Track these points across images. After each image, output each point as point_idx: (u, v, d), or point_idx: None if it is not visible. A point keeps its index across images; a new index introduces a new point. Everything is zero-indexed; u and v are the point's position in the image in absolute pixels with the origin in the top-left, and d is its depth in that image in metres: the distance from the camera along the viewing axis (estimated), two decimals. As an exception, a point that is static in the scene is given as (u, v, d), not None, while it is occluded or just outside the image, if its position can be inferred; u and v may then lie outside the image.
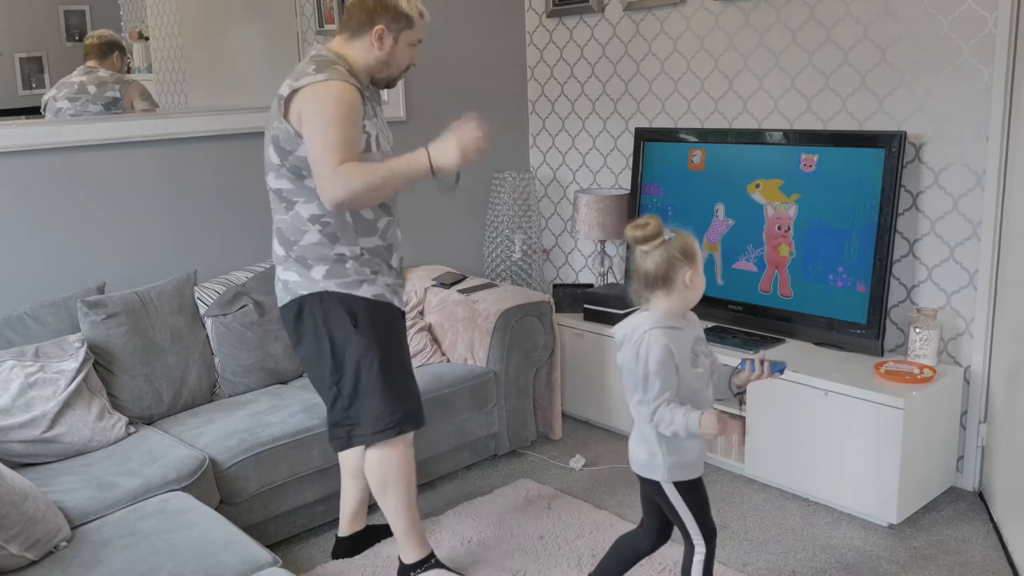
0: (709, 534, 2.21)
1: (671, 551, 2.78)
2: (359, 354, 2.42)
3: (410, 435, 2.56)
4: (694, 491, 2.18)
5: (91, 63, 3.22)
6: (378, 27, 2.37)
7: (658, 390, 2.05)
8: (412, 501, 2.59)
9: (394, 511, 2.57)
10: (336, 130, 2.25)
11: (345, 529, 2.84)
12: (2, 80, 3.06)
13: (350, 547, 2.84)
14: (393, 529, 2.63)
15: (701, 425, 2.01)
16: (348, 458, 2.75)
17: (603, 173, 4.21)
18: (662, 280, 2.07)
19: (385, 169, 2.31)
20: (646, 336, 2.07)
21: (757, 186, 3.48)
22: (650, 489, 2.22)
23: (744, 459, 3.29)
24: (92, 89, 3.20)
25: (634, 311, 2.19)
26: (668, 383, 2.05)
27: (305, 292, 2.41)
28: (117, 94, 3.26)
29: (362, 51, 2.40)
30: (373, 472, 2.55)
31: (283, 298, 2.47)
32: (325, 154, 2.24)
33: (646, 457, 2.16)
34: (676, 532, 2.27)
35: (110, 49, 3.25)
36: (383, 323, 2.47)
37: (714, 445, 3.46)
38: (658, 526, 2.30)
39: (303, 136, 2.29)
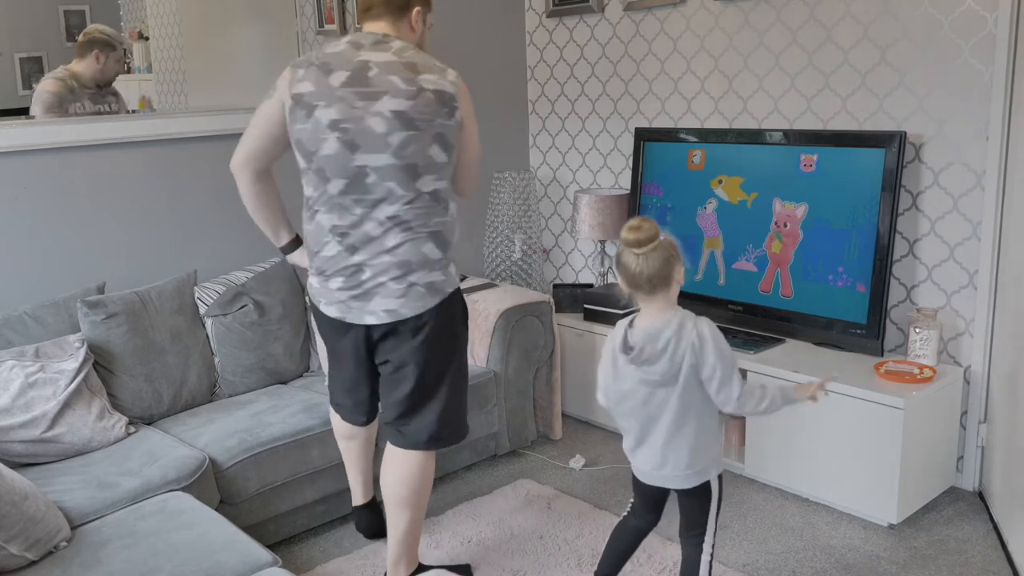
0: (715, 538, 2.25)
1: (670, 551, 2.78)
2: (463, 356, 2.50)
3: None
4: (722, 486, 2.22)
5: (72, 62, 3.16)
6: (416, 8, 2.38)
7: (735, 364, 2.08)
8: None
9: (414, 524, 2.51)
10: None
11: (362, 496, 2.85)
12: (2, 80, 3.06)
13: (377, 517, 2.85)
14: (399, 543, 2.52)
15: (796, 389, 2.12)
16: (353, 429, 2.72)
17: (603, 173, 4.21)
18: (664, 280, 2.07)
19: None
20: (696, 331, 2.06)
21: (719, 182, 3.54)
22: (693, 495, 2.18)
23: (744, 459, 3.29)
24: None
25: (630, 314, 2.18)
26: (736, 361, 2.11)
27: (451, 290, 2.42)
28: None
29: (405, 36, 2.38)
30: (412, 479, 2.46)
31: (426, 302, 2.35)
32: (479, 162, 2.43)
33: (702, 464, 2.14)
34: (658, 536, 2.26)
35: (89, 48, 3.17)
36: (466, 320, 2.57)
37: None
38: (655, 510, 2.33)
39: (466, 131, 2.36)
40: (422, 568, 2.61)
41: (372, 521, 2.88)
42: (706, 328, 2.07)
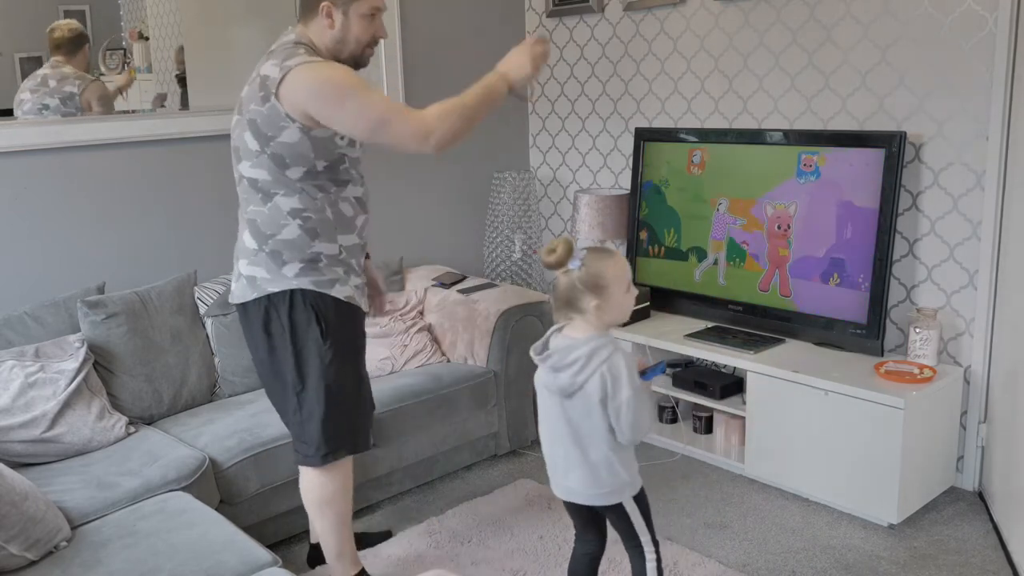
0: (656, 541, 2.22)
1: (670, 551, 2.78)
2: (321, 367, 2.33)
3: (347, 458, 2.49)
4: (645, 500, 2.19)
5: (57, 58, 3.12)
6: (324, 4, 2.27)
7: (635, 386, 2.03)
8: (348, 519, 2.52)
9: (329, 530, 2.50)
10: (367, 91, 2.16)
11: (316, 536, 2.77)
12: (2, 80, 3.05)
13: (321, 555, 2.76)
14: (324, 548, 2.55)
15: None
16: None
17: (603, 173, 4.21)
18: (569, 304, 2.08)
19: (472, 95, 2.19)
20: (608, 364, 2.03)
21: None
22: (612, 512, 2.19)
23: (744, 459, 3.29)
24: (52, 83, 3.13)
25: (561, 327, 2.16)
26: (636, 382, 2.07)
27: (275, 290, 2.28)
28: (75, 89, 3.17)
29: (318, 32, 2.30)
30: (309, 491, 2.48)
31: (245, 295, 2.33)
32: (383, 110, 2.14)
33: (609, 488, 2.13)
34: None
35: (79, 43, 3.15)
36: (349, 328, 2.38)
37: (714, 444, 3.46)
38: (597, 530, 2.31)
39: (323, 116, 2.16)
40: (364, 574, 2.60)
41: (313, 558, 2.82)
42: (620, 365, 2.03)
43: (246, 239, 2.33)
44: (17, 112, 3.06)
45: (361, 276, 2.44)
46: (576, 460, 2.12)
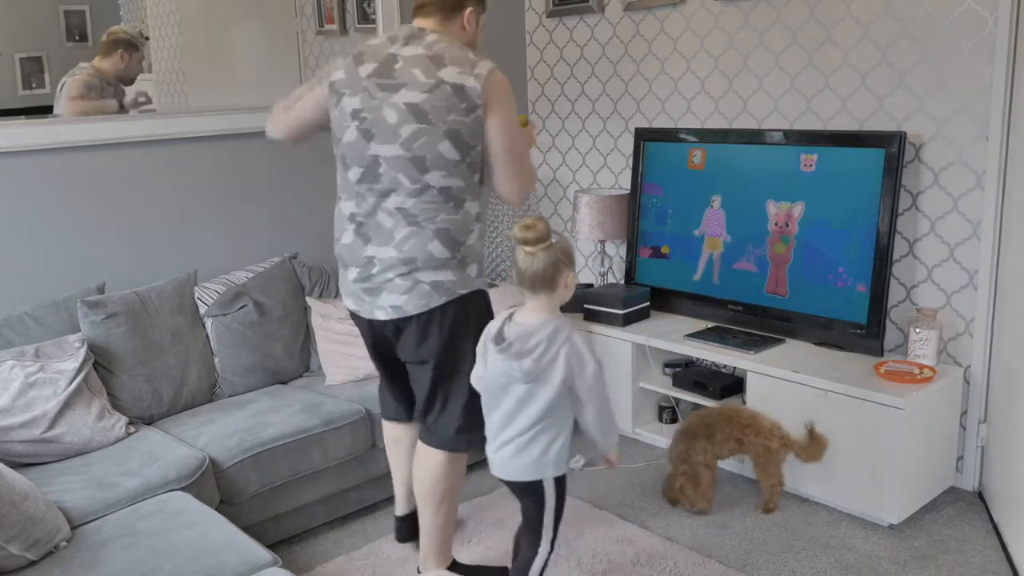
0: (557, 539, 2.27)
1: (670, 551, 2.78)
2: (472, 359, 2.39)
3: None
4: (563, 486, 2.24)
5: (94, 60, 3.21)
6: (468, 9, 2.38)
7: (596, 359, 2.13)
8: (456, 512, 2.62)
9: (440, 521, 2.53)
10: (521, 134, 2.34)
11: (402, 508, 2.82)
12: (2, 80, 3.06)
13: (413, 526, 2.79)
14: (427, 537, 2.55)
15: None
16: (406, 430, 2.70)
17: (603, 173, 4.21)
18: (548, 282, 2.11)
19: (528, 152, 2.42)
20: (570, 343, 2.11)
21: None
22: (528, 492, 2.24)
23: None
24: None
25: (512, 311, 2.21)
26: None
27: (465, 291, 2.36)
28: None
29: (455, 35, 2.37)
30: (442, 479, 2.48)
31: (430, 301, 2.32)
32: (522, 146, 2.32)
33: (537, 456, 2.17)
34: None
35: (113, 47, 3.24)
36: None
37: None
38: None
39: (490, 127, 2.27)
40: (456, 564, 2.63)
41: (406, 531, 2.85)
42: (578, 343, 2.12)
43: (434, 249, 2.31)
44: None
45: None
46: (527, 439, 2.17)
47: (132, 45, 3.27)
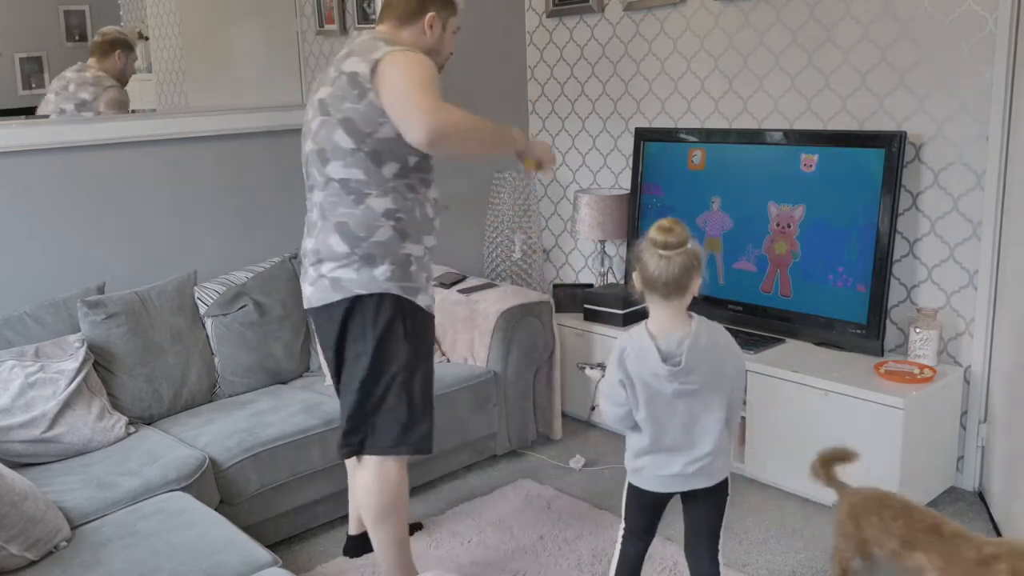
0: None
1: (670, 551, 2.78)
2: (400, 363, 2.34)
3: (406, 460, 2.46)
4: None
5: (90, 61, 3.22)
6: (430, 14, 2.37)
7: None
8: (407, 533, 2.52)
9: (390, 541, 2.46)
10: (428, 79, 2.16)
11: (356, 527, 2.81)
12: (2, 80, 3.06)
13: (362, 544, 2.77)
14: (384, 561, 2.49)
15: None
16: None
17: (603, 173, 4.21)
18: (683, 288, 2.02)
19: (482, 120, 2.23)
20: (726, 340, 2.13)
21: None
22: (715, 493, 2.15)
23: (744, 459, 3.29)
24: (71, 87, 3.19)
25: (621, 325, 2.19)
26: None
27: (362, 292, 2.28)
28: (88, 96, 3.22)
29: (413, 38, 2.35)
30: (372, 494, 2.41)
31: (328, 296, 2.31)
32: (420, 88, 2.12)
33: (715, 462, 2.11)
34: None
35: (111, 47, 3.24)
36: (427, 336, 2.41)
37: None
38: (651, 529, 2.27)
39: (379, 91, 2.17)
40: None
41: (353, 547, 2.84)
42: (726, 333, 2.15)
43: (334, 243, 2.29)
44: (41, 110, 3.13)
45: (433, 283, 2.50)
46: (714, 444, 2.09)
47: (128, 45, 3.28)
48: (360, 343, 2.33)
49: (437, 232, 2.43)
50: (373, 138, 2.22)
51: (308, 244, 2.39)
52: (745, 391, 3.24)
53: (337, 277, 2.29)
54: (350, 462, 2.62)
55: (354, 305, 2.30)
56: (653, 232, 2.02)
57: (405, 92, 2.14)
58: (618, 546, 2.27)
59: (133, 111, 3.34)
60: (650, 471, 2.13)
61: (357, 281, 2.28)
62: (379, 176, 2.25)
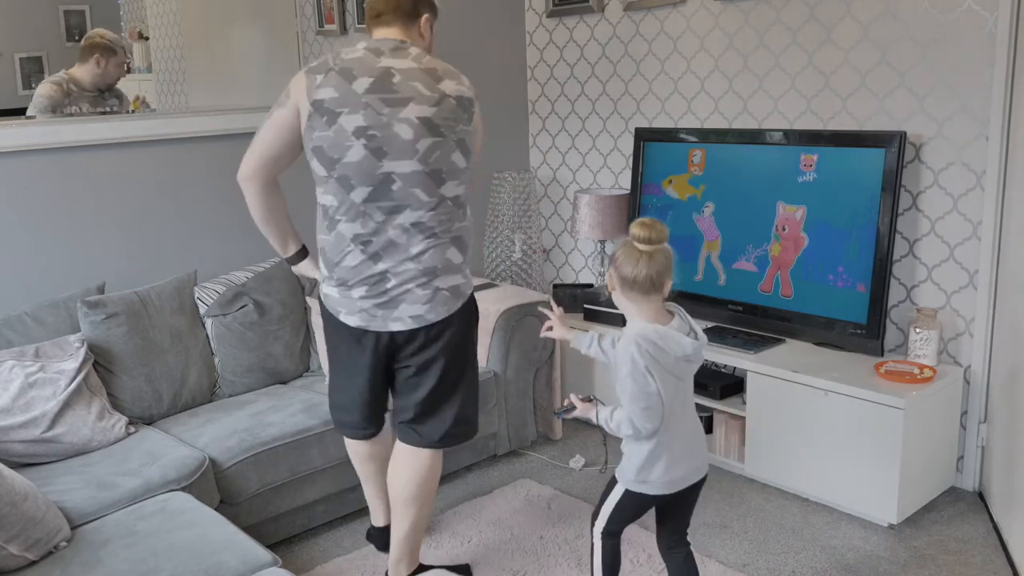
0: None
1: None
2: (472, 357, 2.55)
3: None
4: None
5: (74, 68, 3.18)
6: (425, 16, 2.39)
7: None
8: None
9: (421, 523, 2.54)
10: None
11: (387, 516, 2.78)
12: (2, 80, 3.06)
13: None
14: (402, 542, 2.53)
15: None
16: (377, 445, 2.68)
17: (603, 173, 4.21)
18: (658, 285, 2.06)
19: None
20: (699, 328, 2.14)
21: (669, 182, 3.69)
22: (700, 487, 2.24)
23: (744, 459, 3.29)
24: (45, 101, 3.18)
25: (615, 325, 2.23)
26: None
27: (471, 292, 2.49)
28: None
29: (416, 42, 2.39)
30: (426, 479, 2.49)
31: (452, 306, 2.38)
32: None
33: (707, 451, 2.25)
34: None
35: (89, 52, 3.18)
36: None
37: (714, 444, 3.46)
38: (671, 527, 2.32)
39: (476, 133, 2.40)
40: (422, 568, 2.61)
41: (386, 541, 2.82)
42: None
43: (451, 255, 2.37)
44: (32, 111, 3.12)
45: None
46: (698, 436, 2.20)
47: (109, 49, 3.20)
48: (468, 339, 2.49)
49: None
50: (472, 157, 2.40)
51: (399, 267, 2.31)
52: (744, 390, 3.24)
53: (455, 285, 2.40)
54: (375, 451, 2.69)
55: (470, 305, 2.49)
56: (635, 228, 2.07)
57: (477, 159, 2.45)
58: (599, 544, 2.28)
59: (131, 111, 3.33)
60: (659, 478, 2.15)
61: (467, 283, 2.46)
62: (470, 188, 2.44)
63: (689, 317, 2.14)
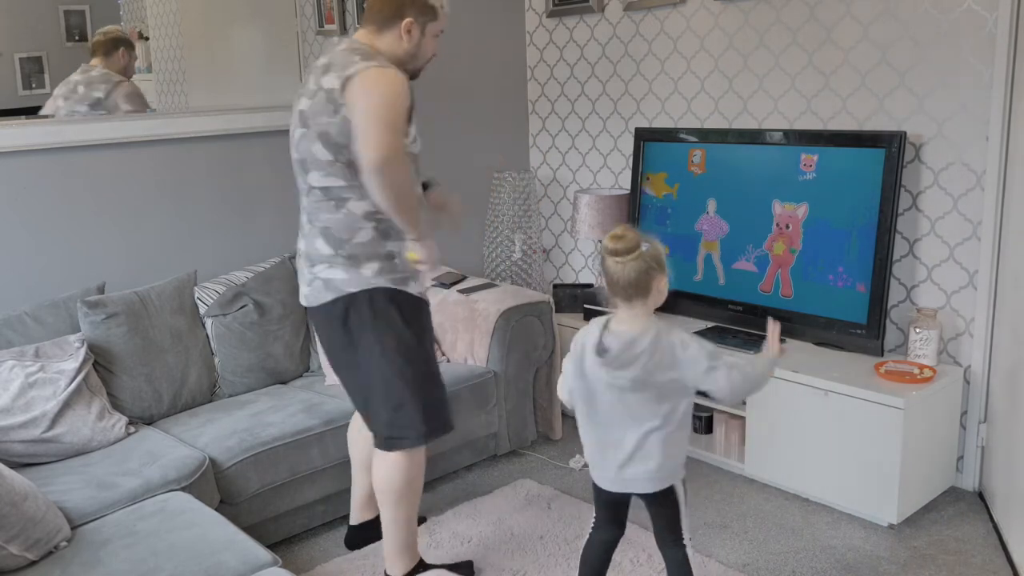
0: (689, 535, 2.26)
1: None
2: (409, 353, 2.42)
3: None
4: (686, 488, 2.24)
5: (93, 61, 3.22)
6: (407, 19, 2.38)
7: (709, 353, 2.08)
8: (416, 513, 2.59)
9: (400, 523, 2.54)
10: (393, 113, 2.25)
11: (356, 518, 2.85)
12: (2, 80, 3.06)
13: (364, 536, 2.85)
14: (389, 540, 2.56)
15: (771, 354, 2.18)
16: (360, 450, 2.74)
17: (603, 173, 4.21)
18: (642, 289, 2.09)
19: (410, 197, 2.33)
20: (669, 342, 2.09)
21: (647, 179, 3.71)
22: (657, 501, 2.20)
23: (744, 459, 3.29)
24: (81, 89, 3.20)
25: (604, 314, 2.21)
26: (713, 348, 2.11)
27: (354, 290, 2.37)
28: (101, 94, 3.24)
29: (391, 44, 2.40)
30: (390, 479, 2.49)
31: (322, 297, 2.40)
32: (383, 124, 2.22)
33: (668, 470, 2.15)
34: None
35: (115, 46, 3.25)
36: (427, 321, 2.51)
37: (714, 444, 3.46)
38: (617, 521, 2.32)
39: (353, 120, 2.26)
40: (423, 565, 2.62)
41: (353, 537, 2.90)
42: (679, 336, 2.11)
43: (319, 246, 2.39)
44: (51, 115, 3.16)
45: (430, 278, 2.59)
46: (646, 449, 2.13)
47: (130, 43, 3.30)
48: (365, 340, 2.41)
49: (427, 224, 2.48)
50: (349, 149, 2.29)
51: (300, 245, 2.50)
52: (751, 396, 3.24)
53: (328, 278, 2.39)
54: (354, 453, 2.77)
55: (350, 304, 2.38)
56: (605, 240, 2.10)
57: (368, 121, 2.23)
58: (587, 533, 2.34)
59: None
60: (592, 470, 2.24)
61: (347, 280, 2.37)
62: (358, 182, 2.32)
63: (650, 339, 2.09)
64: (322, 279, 2.40)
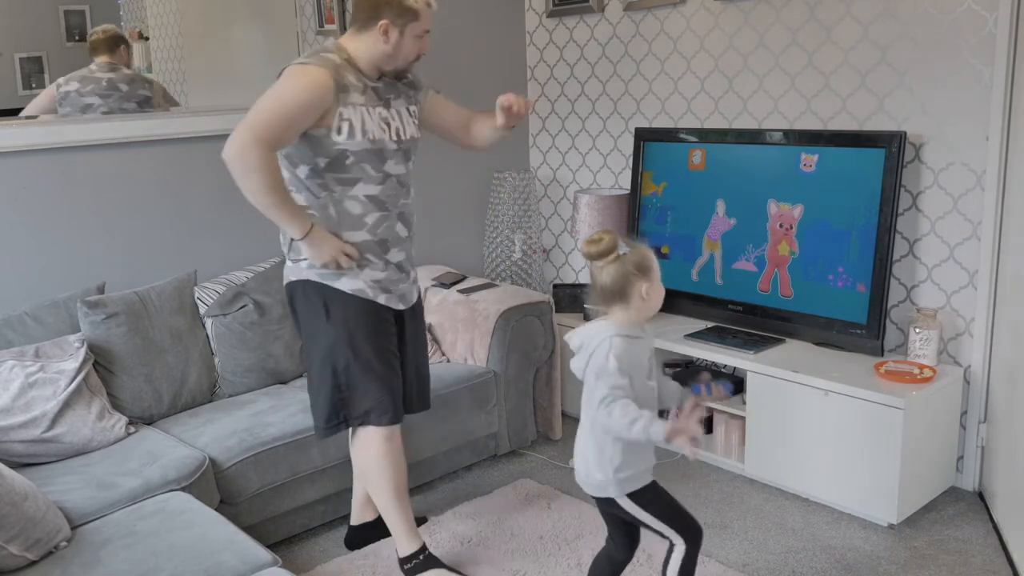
0: (687, 531, 2.16)
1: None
2: (327, 346, 2.50)
3: (386, 429, 2.55)
4: (649, 496, 2.15)
5: (103, 58, 3.21)
6: (383, 22, 2.39)
7: (612, 385, 2.01)
8: (396, 495, 2.61)
9: (383, 507, 2.65)
10: (281, 107, 2.32)
11: (357, 518, 2.88)
12: (2, 80, 3.06)
13: (365, 536, 2.88)
14: (386, 523, 2.68)
15: (665, 433, 1.97)
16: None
17: (603, 173, 4.21)
18: (619, 294, 2.07)
19: (279, 195, 2.35)
20: (606, 341, 2.05)
21: (646, 179, 3.75)
22: (607, 507, 2.19)
23: (744, 459, 3.29)
24: (124, 87, 3.24)
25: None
26: (621, 382, 2.02)
27: (293, 278, 2.54)
28: (149, 93, 3.31)
29: (369, 45, 2.44)
30: (355, 463, 2.71)
31: (284, 281, 2.61)
32: (262, 117, 2.31)
33: (598, 479, 2.13)
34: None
35: (116, 43, 3.25)
36: (359, 318, 2.50)
37: (714, 444, 3.46)
38: (626, 536, 2.28)
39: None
40: (431, 558, 2.67)
41: (352, 537, 2.94)
42: (613, 346, 2.04)
43: (281, 238, 2.57)
44: (63, 110, 3.17)
45: (389, 271, 2.54)
46: (583, 447, 2.17)
47: (127, 40, 3.30)
48: (300, 327, 2.59)
49: (376, 227, 2.49)
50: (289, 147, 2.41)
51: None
52: (744, 390, 3.24)
53: (286, 268, 2.58)
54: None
55: (292, 293, 2.56)
56: (583, 244, 2.10)
57: (250, 112, 2.33)
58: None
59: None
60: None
61: (290, 270, 2.55)
62: (294, 176, 2.45)
63: (582, 335, 2.11)
64: (286, 266, 2.59)
